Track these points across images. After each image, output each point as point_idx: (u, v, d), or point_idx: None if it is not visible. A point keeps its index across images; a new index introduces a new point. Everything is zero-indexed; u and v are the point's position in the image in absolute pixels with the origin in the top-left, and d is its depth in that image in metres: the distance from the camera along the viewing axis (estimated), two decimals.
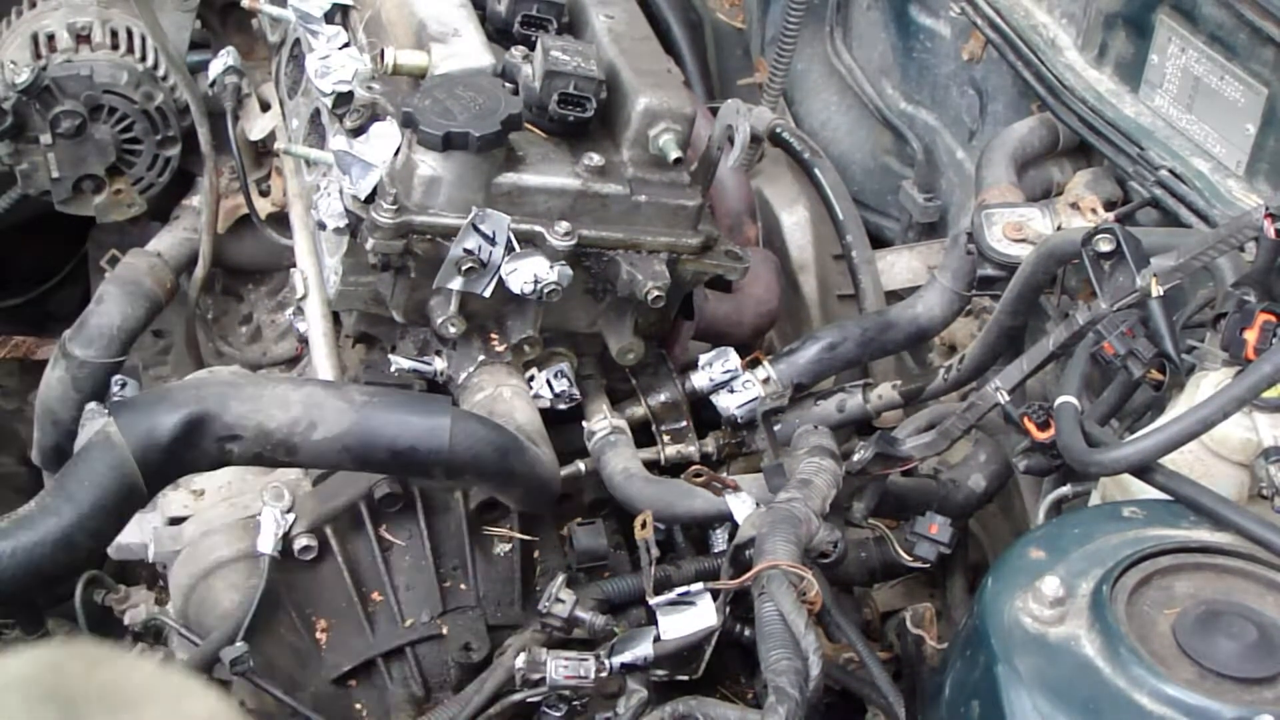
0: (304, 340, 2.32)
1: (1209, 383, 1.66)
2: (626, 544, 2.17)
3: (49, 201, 2.65)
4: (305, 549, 2.01)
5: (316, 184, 2.15)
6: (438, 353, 2.12)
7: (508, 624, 2.05)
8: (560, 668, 1.80)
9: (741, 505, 1.96)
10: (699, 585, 1.82)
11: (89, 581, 2.03)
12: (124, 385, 2.17)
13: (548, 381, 2.13)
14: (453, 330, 2.02)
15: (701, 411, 2.29)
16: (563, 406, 2.15)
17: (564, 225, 1.98)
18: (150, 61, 2.62)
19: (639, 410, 2.25)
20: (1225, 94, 2.10)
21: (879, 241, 2.80)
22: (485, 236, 1.93)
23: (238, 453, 1.80)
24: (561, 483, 2.03)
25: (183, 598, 2.07)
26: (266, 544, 1.98)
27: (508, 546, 2.08)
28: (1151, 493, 1.58)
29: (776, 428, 2.11)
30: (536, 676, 1.81)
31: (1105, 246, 1.74)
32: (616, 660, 1.83)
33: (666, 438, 2.24)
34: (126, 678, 1.15)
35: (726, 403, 2.25)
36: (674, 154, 2.01)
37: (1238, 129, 2.10)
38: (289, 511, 2.01)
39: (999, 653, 1.39)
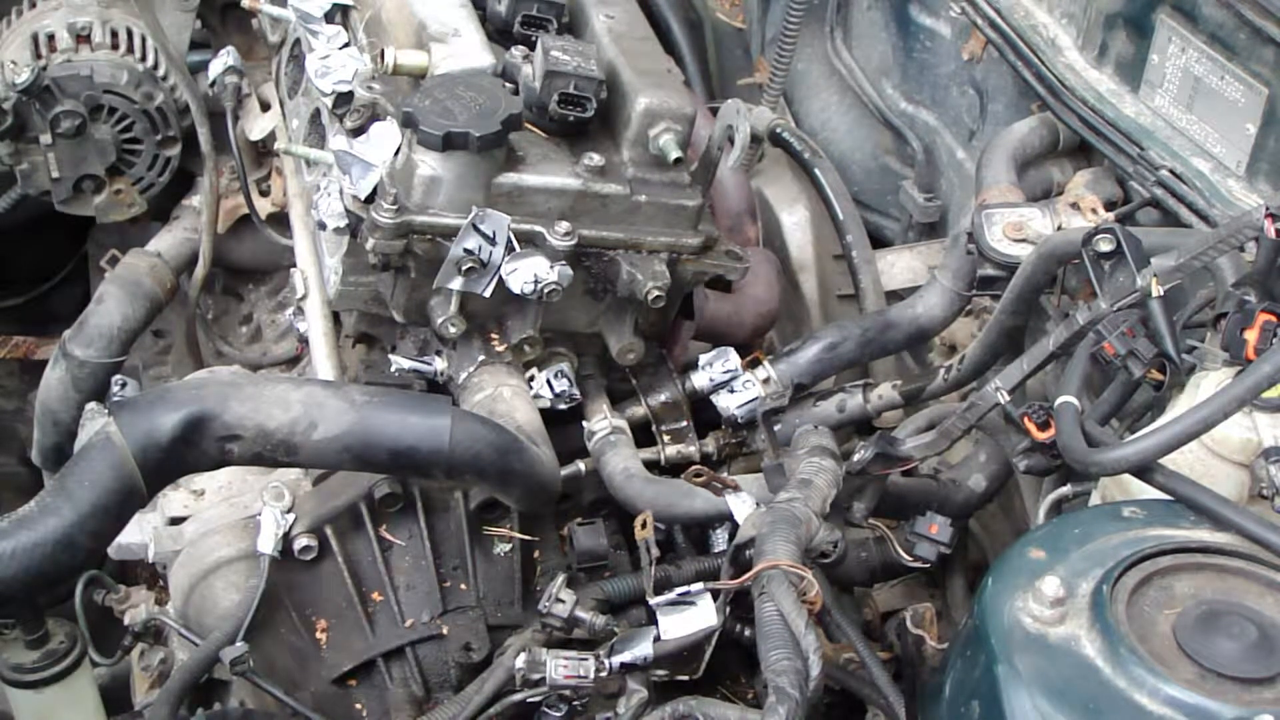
0: (304, 340, 2.32)
1: (1209, 383, 1.66)
2: (626, 544, 2.17)
3: (49, 201, 2.65)
4: (305, 549, 2.01)
5: (316, 184, 2.15)
6: (438, 353, 2.12)
7: (508, 624, 2.05)
8: (560, 668, 1.80)
9: (741, 505, 1.96)
10: (699, 585, 1.82)
11: (89, 581, 2.03)
12: (124, 385, 2.17)
13: (548, 381, 2.13)
14: (453, 330, 2.02)
15: (701, 411, 2.29)
16: (563, 406, 2.15)
17: (564, 225, 1.98)
18: (150, 61, 2.62)
19: (639, 410, 2.24)
20: (1225, 94, 2.10)
21: (879, 241, 2.80)
22: (485, 236, 1.93)
23: (238, 453, 1.80)
24: (561, 483, 2.03)
25: (183, 598, 2.07)
26: (266, 544, 1.98)
27: (508, 546, 2.08)
28: (1151, 493, 1.58)
29: (776, 428, 2.11)
30: (536, 676, 1.81)
31: (1105, 246, 1.74)
32: (616, 660, 1.83)
33: (666, 438, 2.24)
34: None
35: (726, 403, 2.25)
36: (674, 154, 2.01)
37: (1238, 129, 2.10)
38: (289, 511, 2.01)
39: (999, 653, 1.39)
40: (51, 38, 2.59)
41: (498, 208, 1.95)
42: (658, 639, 1.83)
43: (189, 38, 2.83)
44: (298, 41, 2.34)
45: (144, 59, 2.62)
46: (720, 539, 2.15)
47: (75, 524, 1.67)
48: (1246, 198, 2.07)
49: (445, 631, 2.02)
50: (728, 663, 2.07)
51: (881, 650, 2.15)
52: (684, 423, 2.26)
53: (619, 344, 2.15)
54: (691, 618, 1.82)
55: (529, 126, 2.04)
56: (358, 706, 2.03)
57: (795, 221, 2.69)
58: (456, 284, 1.96)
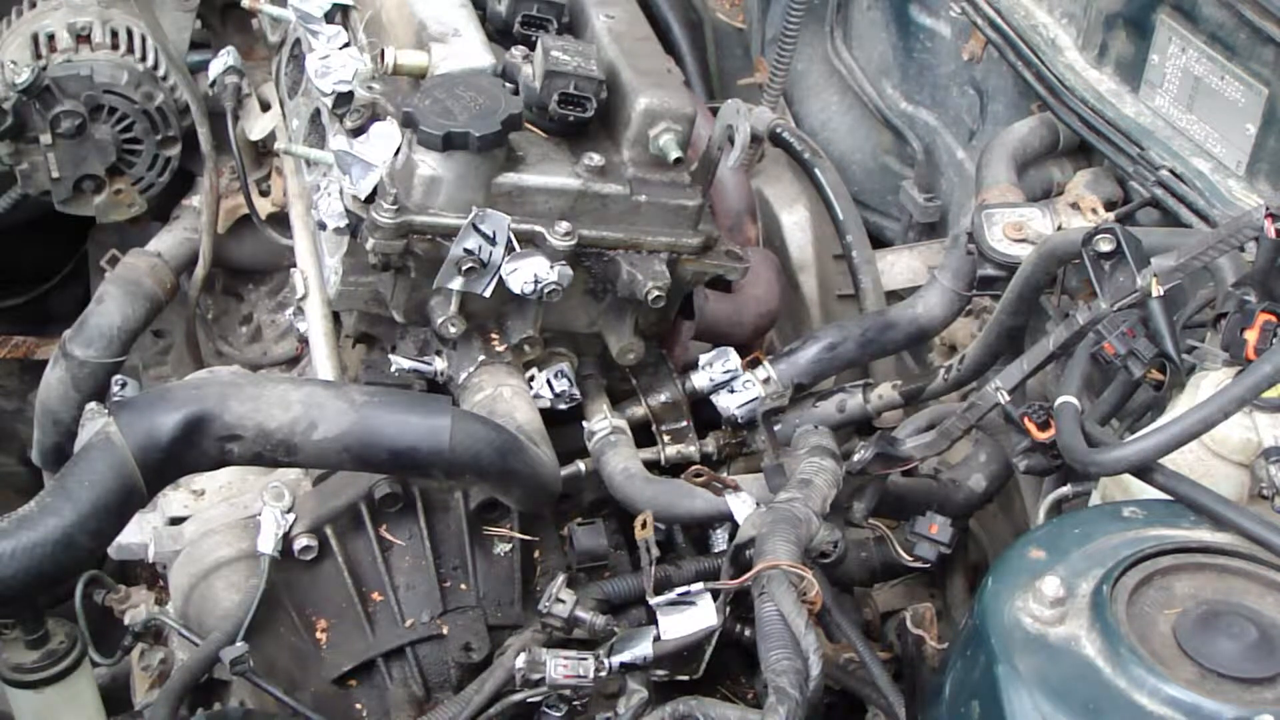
0: (304, 340, 2.32)
1: (1209, 383, 1.66)
2: (626, 544, 2.17)
3: (49, 201, 2.65)
4: (305, 549, 2.01)
5: (316, 184, 2.15)
6: (438, 353, 2.12)
7: (508, 624, 2.05)
8: (560, 668, 1.80)
9: (741, 505, 1.96)
10: (699, 585, 1.82)
11: (89, 581, 2.03)
12: (124, 385, 2.17)
13: (548, 381, 2.13)
14: (453, 330, 2.02)
15: (701, 411, 2.29)
16: (563, 406, 2.15)
17: (564, 225, 1.98)
18: (150, 61, 2.62)
19: (639, 410, 2.24)
20: (1225, 94, 2.10)
21: (879, 241, 2.80)
22: (485, 236, 1.93)
23: (238, 453, 1.80)
24: (561, 483, 2.03)
25: (183, 598, 2.07)
26: (266, 544, 1.98)
27: (508, 546, 2.08)
28: (1151, 493, 1.58)
29: (776, 428, 2.11)
30: (536, 676, 1.81)
31: (1105, 246, 1.74)
32: (616, 660, 1.83)
33: (666, 438, 2.24)
34: None
35: (726, 403, 2.25)
36: (674, 154, 2.01)
37: (1238, 129, 2.10)
38: (289, 511, 2.01)
39: (999, 653, 1.39)
40: (51, 38, 2.59)
41: (498, 208, 1.95)
42: (658, 639, 1.83)
43: (189, 38, 2.83)
44: (298, 41, 2.34)
45: (144, 59, 2.62)
46: (720, 539, 2.15)
47: (75, 524, 1.67)
48: (1246, 198, 2.07)
49: (445, 631, 2.02)
50: (728, 663, 2.07)
51: (881, 650, 2.15)
52: (684, 423, 2.26)
53: (619, 344, 2.15)
54: (691, 618, 1.82)
55: (529, 126, 2.04)
56: (358, 706, 2.02)
57: (795, 221, 2.69)
58: (456, 284, 1.96)
